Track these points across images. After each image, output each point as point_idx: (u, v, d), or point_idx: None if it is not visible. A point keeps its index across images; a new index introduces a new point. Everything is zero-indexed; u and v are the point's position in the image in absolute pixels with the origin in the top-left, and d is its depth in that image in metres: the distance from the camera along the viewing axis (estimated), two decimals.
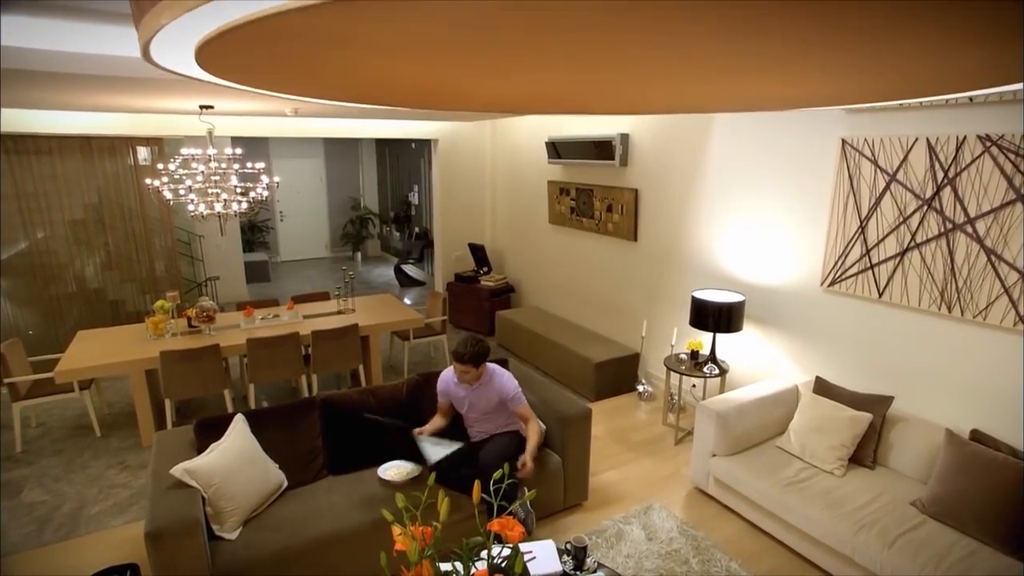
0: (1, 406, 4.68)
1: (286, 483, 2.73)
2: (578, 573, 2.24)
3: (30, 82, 2.91)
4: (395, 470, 2.83)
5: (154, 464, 2.53)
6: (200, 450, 2.61)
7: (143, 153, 5.92)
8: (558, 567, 2.26)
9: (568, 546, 2.30)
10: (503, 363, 3.43)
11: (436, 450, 2.76)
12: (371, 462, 2.92)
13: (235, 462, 2.49)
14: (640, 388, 4.64)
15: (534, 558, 1.72)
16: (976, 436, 2.66)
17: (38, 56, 2.39)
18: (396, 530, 1.44)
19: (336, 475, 2.87)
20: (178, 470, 2.35)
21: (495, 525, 1.45)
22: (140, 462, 3.80)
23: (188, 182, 3.93)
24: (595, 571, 2.26)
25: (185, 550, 2.15)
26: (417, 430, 2.92)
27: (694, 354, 3.92)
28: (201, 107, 4.05)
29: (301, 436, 2.83)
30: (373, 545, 2.56)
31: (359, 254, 10.86)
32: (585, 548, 2.26)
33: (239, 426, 2.67)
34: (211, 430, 2.68)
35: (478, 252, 6.77)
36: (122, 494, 3.44)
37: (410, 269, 8.90)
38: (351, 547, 2.51)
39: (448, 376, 3.02)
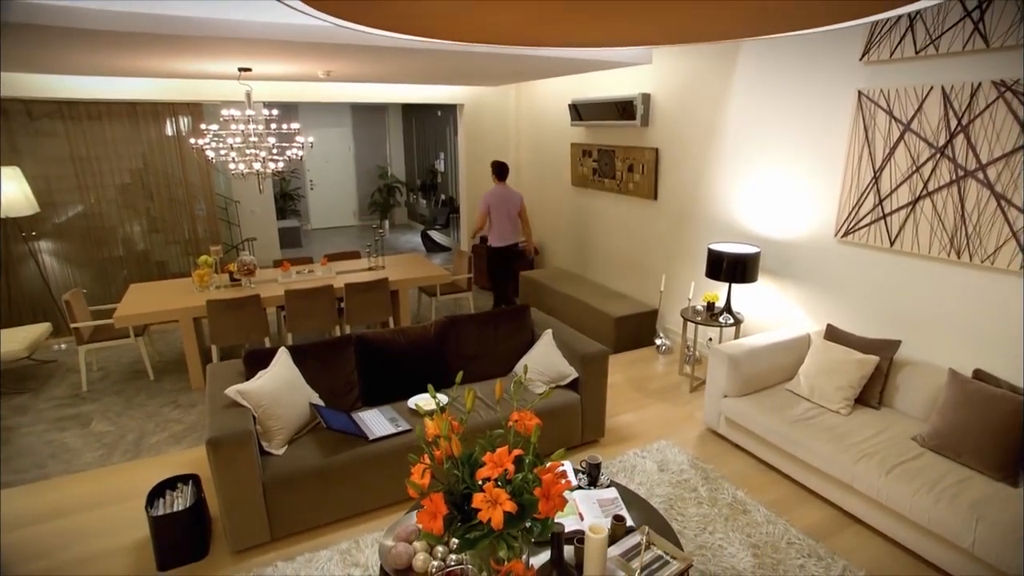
0: (65, 354, 5.09)
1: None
2: (592, 488, 2.46)
3: (83, 43, 3.15)
4: (424, 400, 3.07)
5: (209, 388, 2.81)
6: (248, 378, 2.88)
7: (183, 122, 6.20)
8: (574, 482, 2.48)
9: (583, 464, 2.51)
10: (525, 309, 3.64)
11: (382, 426, 2.90)
12: (402, 394, 3.18)
13: (280, 388, 2.76)
14: (658, 342, 4.80)
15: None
16: (978, 375, 2.77)
17: (92, 14, 2.62)
18: (427, 420, 1.65)
19: (371, 406, 3.13)
20: (232, 391, 2.62)
21: (514, 416, 1.66)
22: (190, 402, 4.14)
23: (230, 140, 4.18)
24: (608, 486, 2.47)
25: (239, 458, 2.43)
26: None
27: (710, 306, 4.05)
28: (240, 69, 4.27)
29: (338, 369, 3.09)
30: (404, 465, 2.81)
31: (387, 222, 11.12)
32: (599, 465, 2.47)
33: (283, 358, 2.93)
34: (258, 361, 2.95)
35: None
36: (176, 427, 3.77)
37: (436, 235, 9.12)
38: (384, 466, 2.77)
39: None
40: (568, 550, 2.05)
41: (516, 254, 5.29)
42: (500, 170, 5.17)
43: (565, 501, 1.47)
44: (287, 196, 10.38)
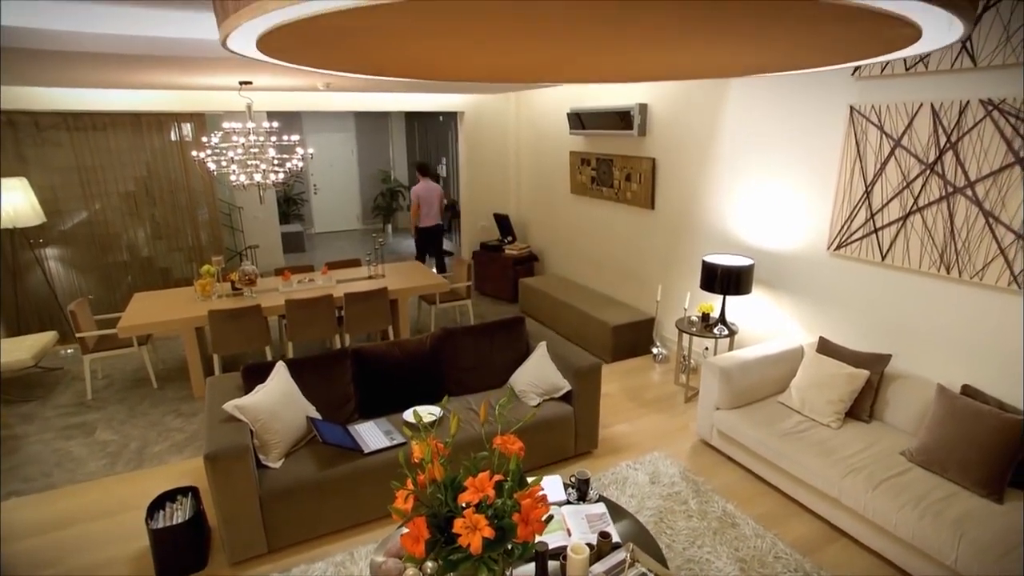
0: (71, 361, 5.18)
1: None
2: (581, 503, 2.50)
3: (83, 63, 3.22)
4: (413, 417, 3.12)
5: (208, 402, 2.88)
6: (247, 392, 2.95)
7: (186, 129, 6.29)
8: (563, 497, 2.53)
9: (572, 479, 2.56)
10: (520, 321, 3.69)
11: (377, 439, 2.96)
12: (399, 406, 3.24)
13: (277, 402, 2.81)
14: (654, 351, 4.84)
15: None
16: (966, 391, 2.79)
17: (96, 38, 2.68)
18: (415, 443, 1.70)
19: (366, 418, 3.19)
20: (229, 406, 2.68)
21: (497, 440, 1.70)
22: (192, 410, 4.21)
23: (230, 153, 4.24)
24: (596, 501, 2.51)
25: (237, 472, 2.49)
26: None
27: (705, 317, 4.09)
28: (241, 83, 4.33)
29: (335, 382, 3.15)
30: (398, 478, 2.87)
31: (389, 226, 11.19)
32: (587, 480, 2.52)
33: (281, 371, 2.99)
34: (256, 375, 3.01)
35: (503, 221, 6.99)
36: (178, 436, 3.84)
37: None
38: (379, 478, 2.82)
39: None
40: (554, 565, 2.10)
41: (439, 231, 6.94)
42: (423, 169, 6.69)
43: (544, 525, 1.52)
44: (291, 201, 10.46)
